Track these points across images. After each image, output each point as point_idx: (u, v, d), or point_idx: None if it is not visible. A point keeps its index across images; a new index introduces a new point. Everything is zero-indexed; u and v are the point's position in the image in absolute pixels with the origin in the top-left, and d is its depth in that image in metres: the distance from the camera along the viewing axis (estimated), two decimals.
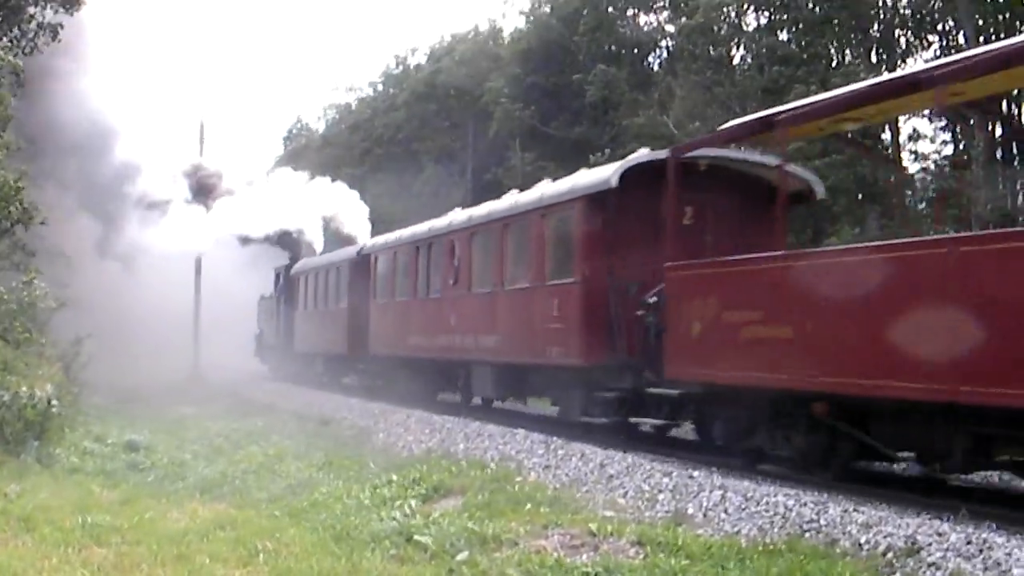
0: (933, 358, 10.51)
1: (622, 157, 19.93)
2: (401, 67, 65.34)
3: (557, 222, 18.60)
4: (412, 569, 9.52)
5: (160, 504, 13.51)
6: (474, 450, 17.23)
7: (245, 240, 45.51)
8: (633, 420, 16.73)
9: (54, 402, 17.10)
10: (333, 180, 53.09)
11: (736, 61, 39.62)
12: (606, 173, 17.30)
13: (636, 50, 44.91)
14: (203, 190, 47.89)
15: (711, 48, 38.62)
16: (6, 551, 9.98)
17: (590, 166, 21.95)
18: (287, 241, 43.77)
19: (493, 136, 49.08)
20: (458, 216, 24.05)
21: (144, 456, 18.47)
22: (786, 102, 16.81)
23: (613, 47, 45.08)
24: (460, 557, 9.68)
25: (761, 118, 14.41)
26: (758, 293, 13.28)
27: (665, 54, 44.34)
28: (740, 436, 14.10)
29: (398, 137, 58.90)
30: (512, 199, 21.23)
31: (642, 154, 17.77)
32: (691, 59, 38.92)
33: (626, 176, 16.73)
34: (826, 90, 15.63)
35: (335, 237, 41.54)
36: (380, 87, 68.81)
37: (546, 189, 19.88)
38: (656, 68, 44.87)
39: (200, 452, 19.83)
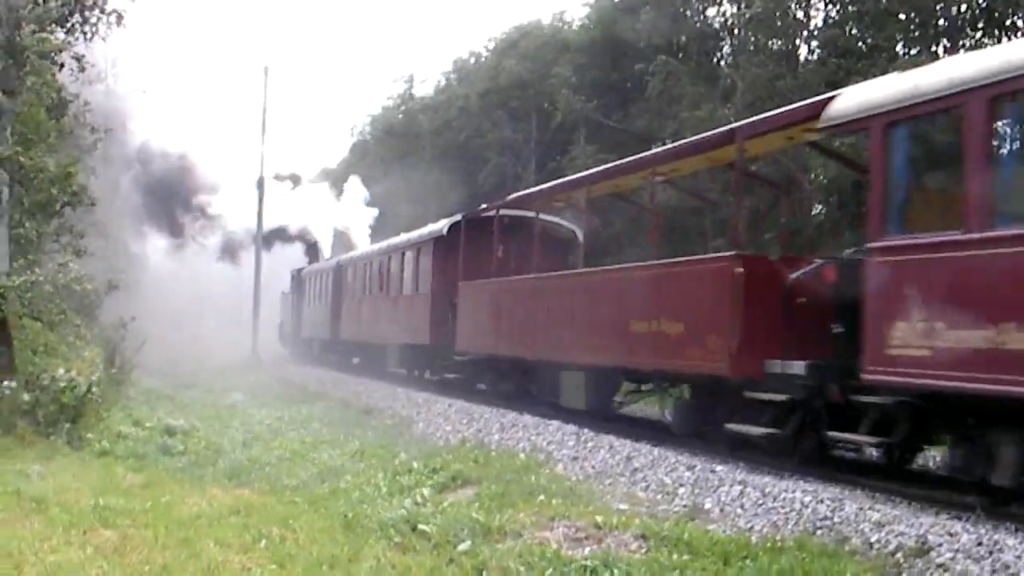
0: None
1: None
2: (472, 59, 65.24)
3: (418, 253, 29.64)
4: (413, 558, 9.38)
5: (182, 489, 13.54)
6: (507, 440, 17.11)
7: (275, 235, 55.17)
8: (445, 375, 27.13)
9: (94, 388, 17.18)
10: (388, 172, 56.74)
11: (802, 54, 39.12)
12: (439, 225, 28.32)
13: (700, 43, 44.38)
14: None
15: (774, 41, 38.10)
16: (11, 531, 9.99)
17: None
18: (307, 246, 55.31)
19: (556, 127, 48.82)
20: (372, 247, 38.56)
21: (180, 441, 18.45)
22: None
23: (678, 39, 44.63)
24: (462, 547, 9.54)
25: (569, 181, 22.18)
26: (494, 298, 22.87)
27: (728, 47, 43.77)
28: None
29: (463, 129, 58.84)
30: (398, 238, 33.14)
31: (467, 212, 27.12)
32: (753, 52, 38.45)
33: (451, 228, 26.86)
34: None
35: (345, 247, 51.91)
36: (447, 79, 68.75)
37: (416, 232, 31.13)
38: (720, 62, 44.32)
39: (238, 438, 19.81)
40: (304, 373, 39.94)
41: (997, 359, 9.78)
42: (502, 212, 23.67)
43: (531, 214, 22.69)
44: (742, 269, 13.70)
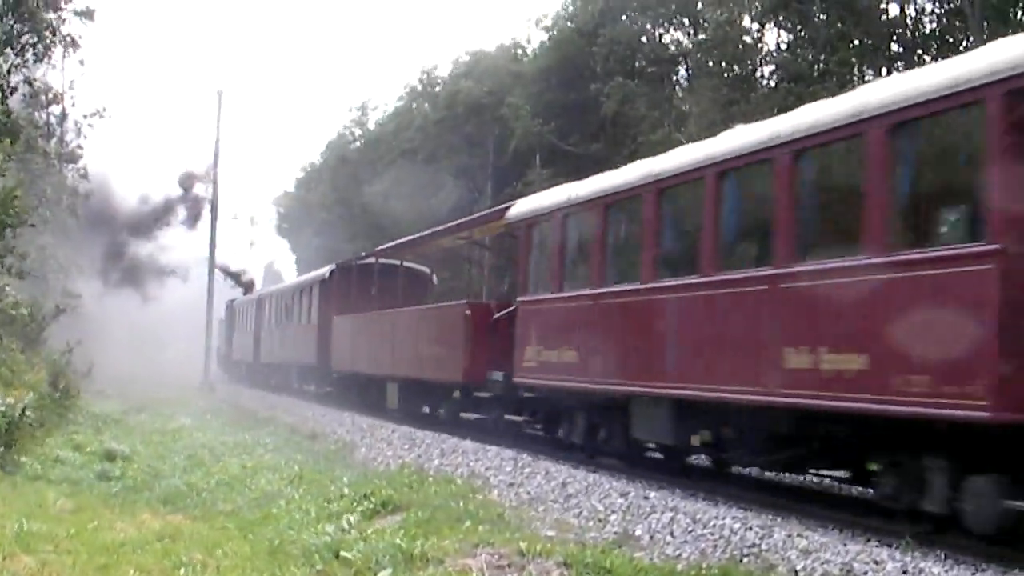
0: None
1: None
2: (423, 83, 65.14)
3: (311, 292, 36.35)
4: None
5: (113, 514, 13.34)
6: (446, 466, 16.98)
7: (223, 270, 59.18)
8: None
9: (28, 412, 16.92)
10: (356, 193, 58.74)
11: (759, 78, 39.28)
12: (324, 270, 35.78)
13: (656, 67, 44.46)
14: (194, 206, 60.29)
15: (726, 65, 38.25)
16: None
17: None
18: (237, 278, 60.84)
19: (512, 152, 48.85)
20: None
21: (119, 466, 18.17)
22: None
23: (634, 63, 44.73)
24: (382, 574, 9.40)
25: (421, 237, 27.94)
26: (353, 328, 30.00)
27: (683, 71, 43.90)
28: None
29: (419, 153, 58.84)
30: (299, 278, 42.01)
31: (344, 260, 35.24)
32: (708, 76, 38.60)
33: (334, 272, 34.29)
34: None
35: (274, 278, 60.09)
36: (401, 103, 68.73)
37: (310, 275, 38.61)
38: (676, 86, 44.45)
39: (179, 463, 19.55)
40: (255, 397, 39.80)
41: (566, 368, 16.53)
42: (380, 260, 30.25)
43: (396, 261, 29.56)
44: (469, 312, 21.19)
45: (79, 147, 47.18)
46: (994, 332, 9.09)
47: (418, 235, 28.23)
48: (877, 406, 10.21)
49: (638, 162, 16.45)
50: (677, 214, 14.78)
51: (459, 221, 25.69)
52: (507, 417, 20.14)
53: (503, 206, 21.15)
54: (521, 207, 19.51)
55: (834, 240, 11.72)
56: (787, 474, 15.32)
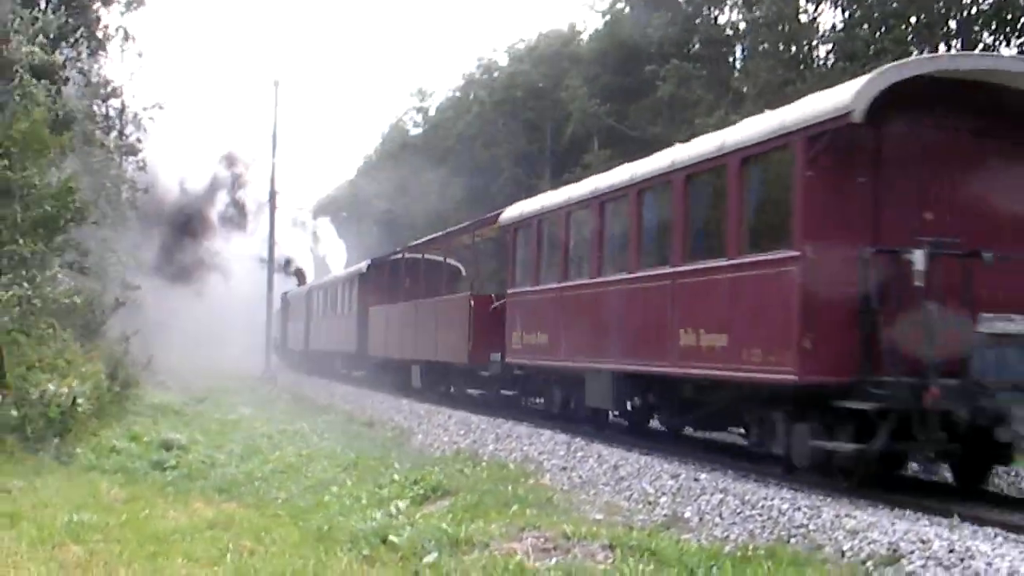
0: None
1: None
2: (481, 69, 65.10)
3: (350, 285, 38.69)
4: (378, 570, 9.25)
5: (166, 503, 13.37)
6: (500, 451, 17.01)
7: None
8: None
9: (79, 400, 17.00)
10: (415, 181, 59.50)
11: (815, 57, 38.87)
12: (362, 265, 38.33)
13: (711, 48, 44.07)
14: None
15: (783, 45, 37.84)
16: None
17: None
18: (292, 270, 63.80)
19: (571, 135, 48.74)
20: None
21: (175, 455, 18.19)
22: None
23: (690, 45, 44.41)
24: (427, 559, 9.39)
25: (447, 233, 29.65)
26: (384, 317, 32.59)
27: (739, 52, 43.44)
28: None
29: (477, 139, 58.93)
30: (342, 272, 44.32)
31: (377, 257, 38.08)
32: (763, 56, 38.24)
33: (370, 266, 36.84)
34: None
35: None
36: (459, 91, 68.78)
37: (351, 268, 41.96)
38: (732, 67, 44.03)
39: (236, 452, 19.53)
40: (314, 386, 39.98)
41: (542, 349, 19.53)
42: (407, 255, 32.58)
43: (423, 255, 31.64)
44: (472, 302, 23.92)
45: (139, 140, 47.43)
46: (797, 316, 11.93)
47: (439, 233, 31.02)
48: (733, 374, 13.19)
49: (592, 177, 19.92)
50: (614, 221, 17.53)
51: (466, 224, 28.44)
52: (503, 392, 23.90)
53: (497, 212, 23.86)
54: (510, 212, 22.41)
55: (709, 246, 14.43)
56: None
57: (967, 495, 12.39)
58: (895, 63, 12.96)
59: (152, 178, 49.40)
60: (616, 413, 18.81)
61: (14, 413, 16.06)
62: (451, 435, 19.86)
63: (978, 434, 11.49)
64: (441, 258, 30.81)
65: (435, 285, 29.28)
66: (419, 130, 73.63)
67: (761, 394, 13.24)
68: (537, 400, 22.28)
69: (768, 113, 13.72)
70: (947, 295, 11.66)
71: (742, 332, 12.98)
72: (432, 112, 74.47)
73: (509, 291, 21.55)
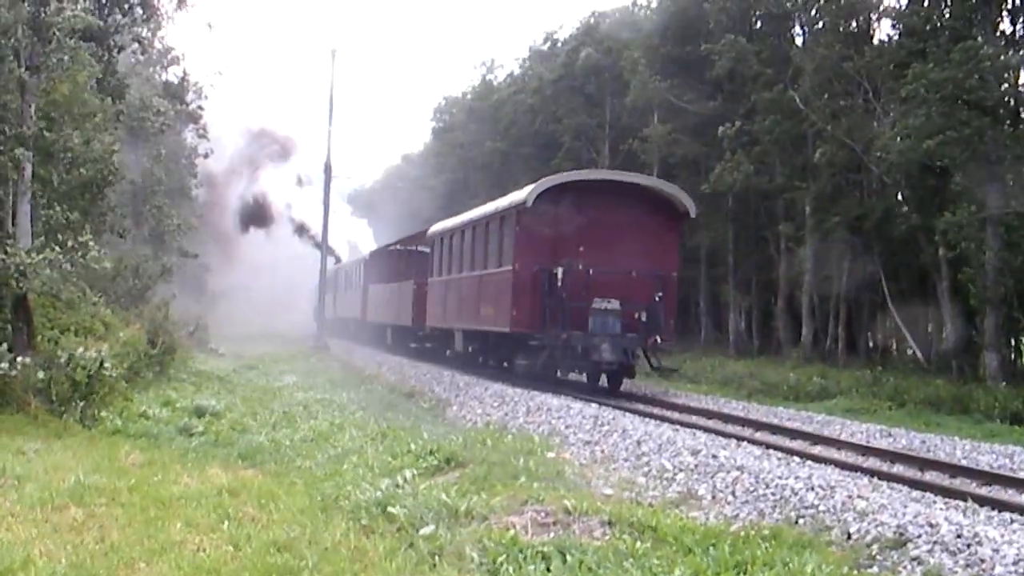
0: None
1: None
2: (549, 43, 64.68)
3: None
4: (373, 541, 9.06)
5: (183, 469, 13.24)
6: (529, 423, 16.87)
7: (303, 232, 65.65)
8: None
9: (107, 364, 16.90)
10: (473, 154, 59.47)
11: (884, 31, 38.19)
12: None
13: (771, 24, 43.29)
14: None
15: (845, 21, 37.07)
16: None
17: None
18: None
19: (630, 108, 48.33)
20: None
21: (205, 422, 18.10)
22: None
23: (751, 20, 43.72)
24: (424, 531, 9.18)
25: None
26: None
27: (797, 27, 42.62)
28: None
29: (539, 114, 58.70)
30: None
31: (387, 244, 47.58)
32: (823, 32, 37.56)
33: (373, 254, 49.47)
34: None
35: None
36: (525, 64, 68.47)
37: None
38: (793, 42, 43.23)
39: (268, 420, 19.40)
40: (365, 355, 40.04)
41: (441, 316, 31.18)
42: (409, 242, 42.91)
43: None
44: (415, 286, 36.11)
45: (200, 108, 47.56)
46: (510, 297, 23.52)
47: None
48: (493, 328, 25.12)
49: (467, 211, 31.66)
50: (463, 241, 28.95)
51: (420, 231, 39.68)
52: (426, 345, 36.55)
53: (426, 229, 36.41)
54: (433, 228, 34.35)
55: (480, 262, 26.88)
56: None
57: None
58: (546, 177, 25.71)
59: (212, 145, 49.63)
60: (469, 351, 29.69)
61: (40, 375, 15.98)
62: (485, 407, 19.80)
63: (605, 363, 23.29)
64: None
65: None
66: (481, 103, 73.19)
67: (504, 338, 25.13)
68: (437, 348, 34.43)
69: (500, 199, 26.85)
70: (576, 290, 22.85)
71: (492, 305, 24.96)
72: (497, 81, 74.23)
73: (429, 279, 32.96)
